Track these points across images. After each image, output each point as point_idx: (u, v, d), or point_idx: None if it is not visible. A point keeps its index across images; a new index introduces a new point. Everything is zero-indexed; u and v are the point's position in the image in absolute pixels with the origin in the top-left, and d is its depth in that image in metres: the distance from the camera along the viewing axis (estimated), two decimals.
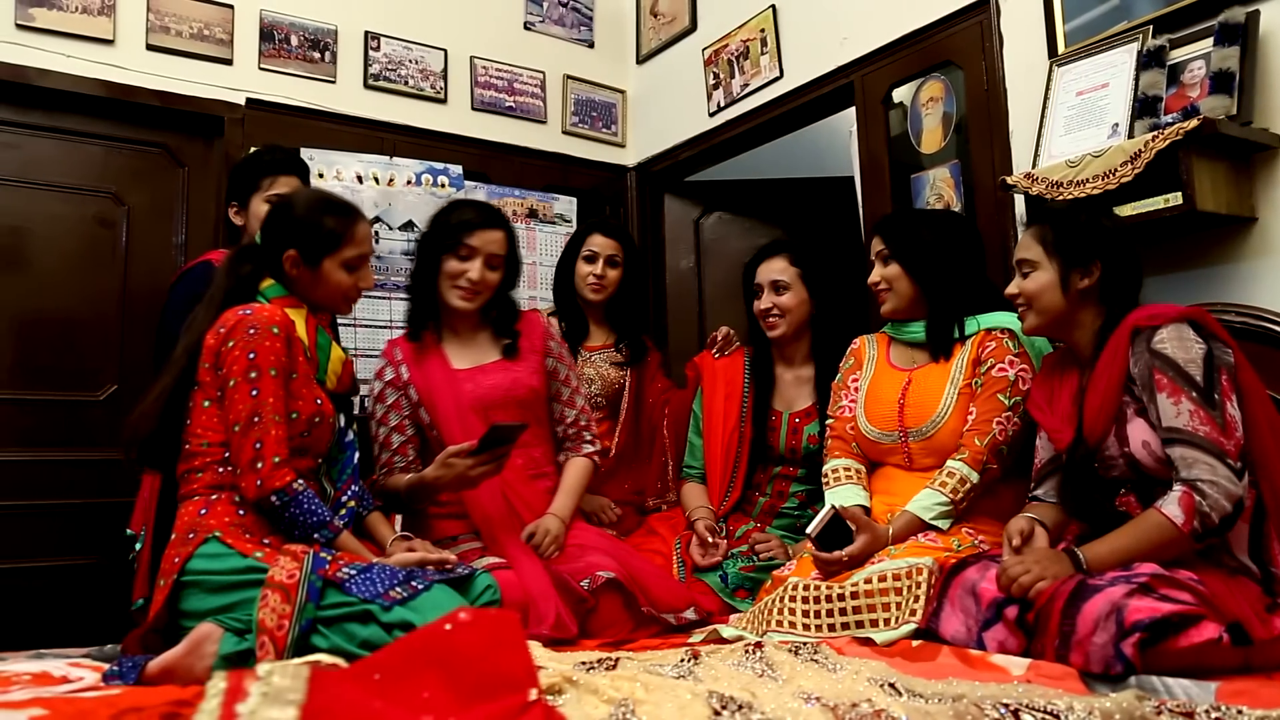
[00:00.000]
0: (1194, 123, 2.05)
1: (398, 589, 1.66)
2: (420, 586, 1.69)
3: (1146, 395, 1.65)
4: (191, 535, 1.76)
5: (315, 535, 1.80)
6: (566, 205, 3.88)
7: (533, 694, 0.98)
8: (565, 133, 3.96)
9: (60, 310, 2.93)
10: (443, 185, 3.58)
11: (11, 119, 2.90)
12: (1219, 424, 1.57)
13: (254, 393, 1.79)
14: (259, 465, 1.77)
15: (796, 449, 2.54)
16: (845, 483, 2.19)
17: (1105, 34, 2.45)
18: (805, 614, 1.88)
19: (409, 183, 3.51)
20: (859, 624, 1.81)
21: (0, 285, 2.85)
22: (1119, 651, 1.41)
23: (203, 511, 1.79)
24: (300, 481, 1.82)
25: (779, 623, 1.90)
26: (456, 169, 3.61)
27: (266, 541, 1.78)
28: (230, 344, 1.81)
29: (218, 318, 1.87)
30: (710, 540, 2.41)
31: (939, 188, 2.92)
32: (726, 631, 1.98)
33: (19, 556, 2.78)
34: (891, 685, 1.39)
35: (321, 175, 3.31)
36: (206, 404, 1.85)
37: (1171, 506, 1.57)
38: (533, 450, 2.31)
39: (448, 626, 1.01)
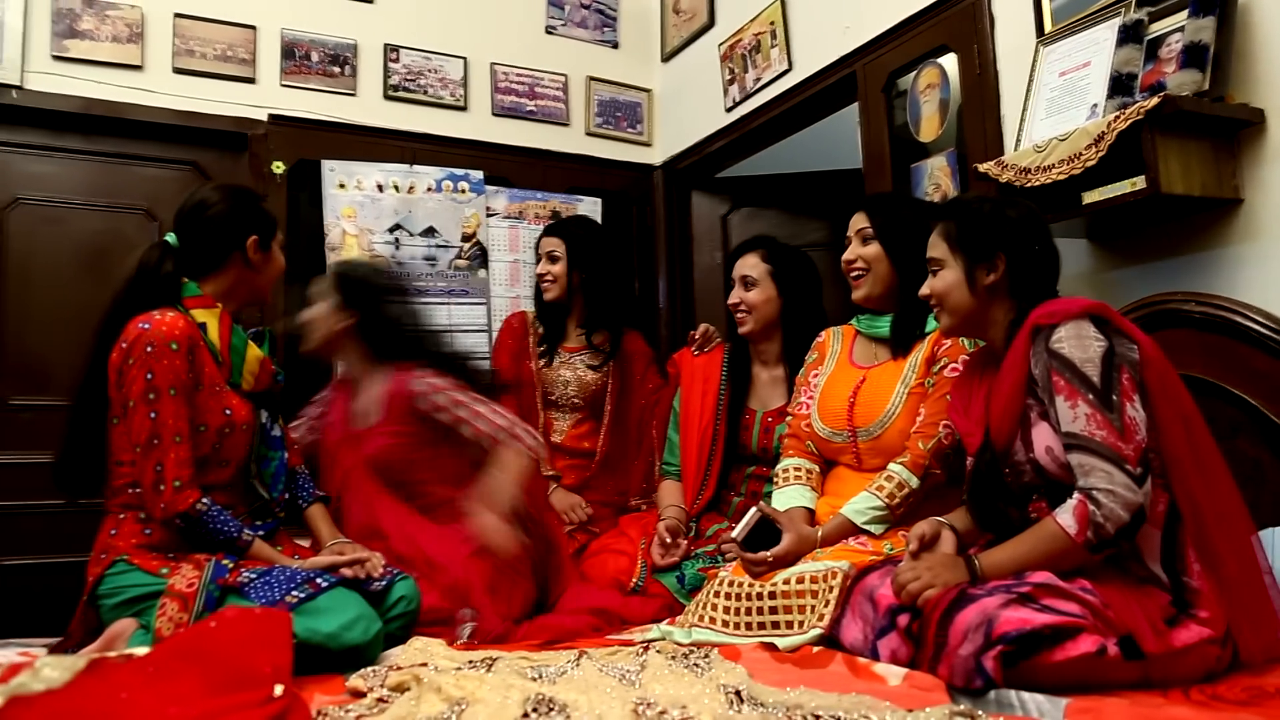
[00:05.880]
0: (1154, 101, 1.92)
1: (296, 592, 1.69)
2: (323, 585, 1.73)
3: (1047, 398, 1.55)
4: (104, 555, 1.82)
5: (225, 553, 1.82)
6: (590, 206, 3.91)
7: (278, 690, 1.01)
8: (589, 134, 3.99)
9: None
10: (463, 191, 3.67)
11: (51, 144, 3.13)
12: (1117, 428, 1.46)
13: (152, 415, 1.78)
14: (161, 489, 1.78)
15: (768, 448, 2.49)
16: (794, 483, 2.14)
17: (1089, 10, 2.32)
18: (727, 610, 1.84)
19: (429, 189, 3.61)
20: (774, 625, 1.77)
21: (39, 299, 3.07)
22: (979, 664, 1.34)
23: (113, 532, 1.84)
24: (204, 501, 1.82)
25: (701, 618, 1.88)
26: (477, 174, 3.68)
27: (172, 555, 1.81)
28: (130, 362, 1.80)
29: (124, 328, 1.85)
30: (669, 540, 2.40)
31: (936, 177, 2.81)
32: (654, 631, 1.97)
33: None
34: (737, 693, 1.36)
35: (343, 185, 3.45)
36: (115, 421, 1.85)
37: (1066, 516, 1.48)
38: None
39: (213, 624, 1.06)
